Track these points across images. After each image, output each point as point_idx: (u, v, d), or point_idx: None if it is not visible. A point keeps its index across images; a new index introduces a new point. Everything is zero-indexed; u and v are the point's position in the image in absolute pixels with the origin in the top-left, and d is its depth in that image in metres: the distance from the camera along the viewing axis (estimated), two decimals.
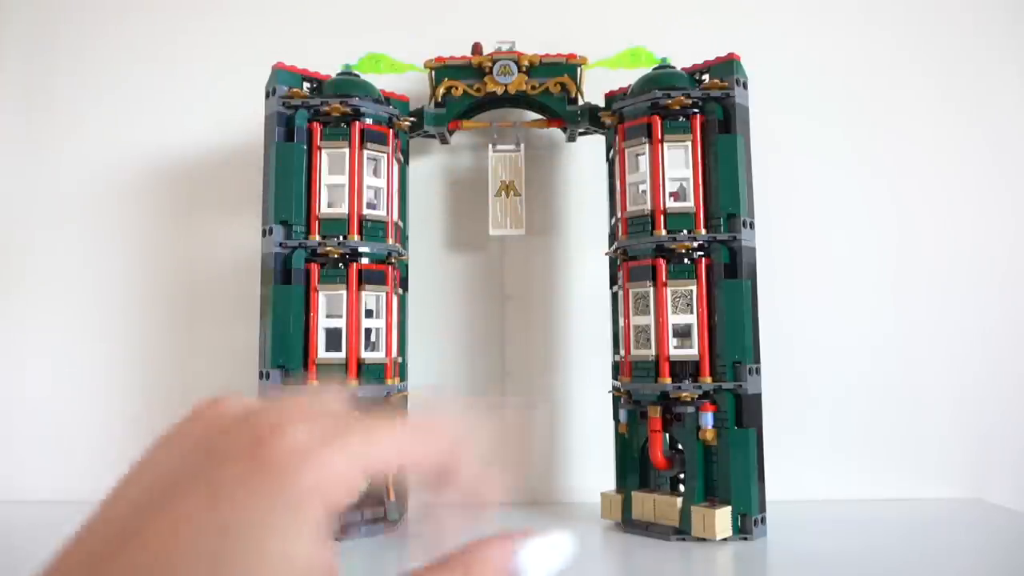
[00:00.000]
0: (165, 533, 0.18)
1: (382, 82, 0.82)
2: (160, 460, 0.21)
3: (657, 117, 0.76)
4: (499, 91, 0.83)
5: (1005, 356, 0.93)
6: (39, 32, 1.00)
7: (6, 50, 1.00)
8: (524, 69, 0.83)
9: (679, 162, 0.76)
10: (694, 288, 0.74)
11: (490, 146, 0.87)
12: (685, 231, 0.75)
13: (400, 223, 0.83)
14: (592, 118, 0.84)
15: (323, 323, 0.75)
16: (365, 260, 0.77)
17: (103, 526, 0.20)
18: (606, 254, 0.84)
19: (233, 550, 0.18)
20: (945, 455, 0.92)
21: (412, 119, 0.84)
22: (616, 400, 0.80)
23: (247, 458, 0.20)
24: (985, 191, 0.95)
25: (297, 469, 0.20)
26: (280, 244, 0.76)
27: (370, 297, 0.77)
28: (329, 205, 0.77)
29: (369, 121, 0.78)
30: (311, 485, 0.20)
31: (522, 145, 0.87)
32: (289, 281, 0.75)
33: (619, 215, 0.80)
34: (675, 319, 0.74)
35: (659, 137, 0.76)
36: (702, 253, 0.75)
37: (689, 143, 0.76)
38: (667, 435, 0.76)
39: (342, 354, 0.75)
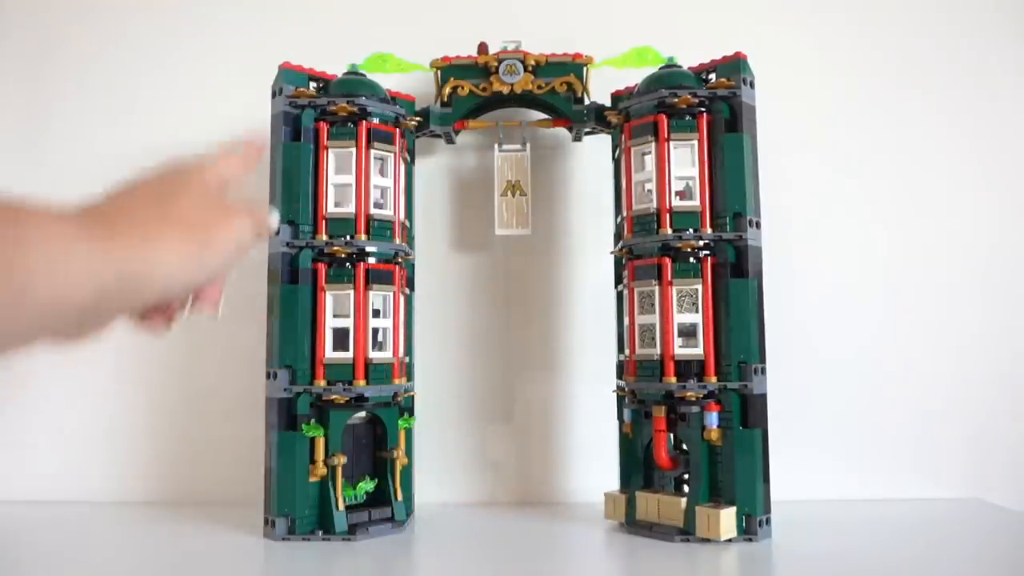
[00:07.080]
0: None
1: (388, 82, 0.82)
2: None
3: (663, 116, 0.76)
4: (505, 91, 0.83)
5: (1004, 357, 0.93)
6: (44, 34, 1.01)
7: (11, 51, 1.00)
8: (530, 69, 0.83)
9: (685, 161, 0.76)
10: (700, 287, 0.74)
11: (496, 146, 0.87)
12: (691, 230, 0.74)
13: (407, 223, 0.84)
14: (598, 117, 0.84)
15: (330, 323, 0.75)
16: (372, 260, 0.77)
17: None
18: (612, 253, 0.84)
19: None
20: (945, 456, 0.92)
21: (418, 119, 0.84)
22: (620, 400, 0.80)
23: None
24: (986, 193, 0.95)
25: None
26: (287, 244, 0.76)
27: (377, 297, 0.77)
28: (336, 205, 0.77)
29: (376, 120, 0.78)
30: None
31: (528, 145, 0.86)
32: (296, 281, 0.76)
33: (625, 214, 0.79)
34: (680, 318, 0.74)
35: (665, 136, 0.75)
36: (708, 252, 0.75)
37: (695, 142, 0.75)
38: (671, 435, 0.76)
39: (349, 354, 0.75)
